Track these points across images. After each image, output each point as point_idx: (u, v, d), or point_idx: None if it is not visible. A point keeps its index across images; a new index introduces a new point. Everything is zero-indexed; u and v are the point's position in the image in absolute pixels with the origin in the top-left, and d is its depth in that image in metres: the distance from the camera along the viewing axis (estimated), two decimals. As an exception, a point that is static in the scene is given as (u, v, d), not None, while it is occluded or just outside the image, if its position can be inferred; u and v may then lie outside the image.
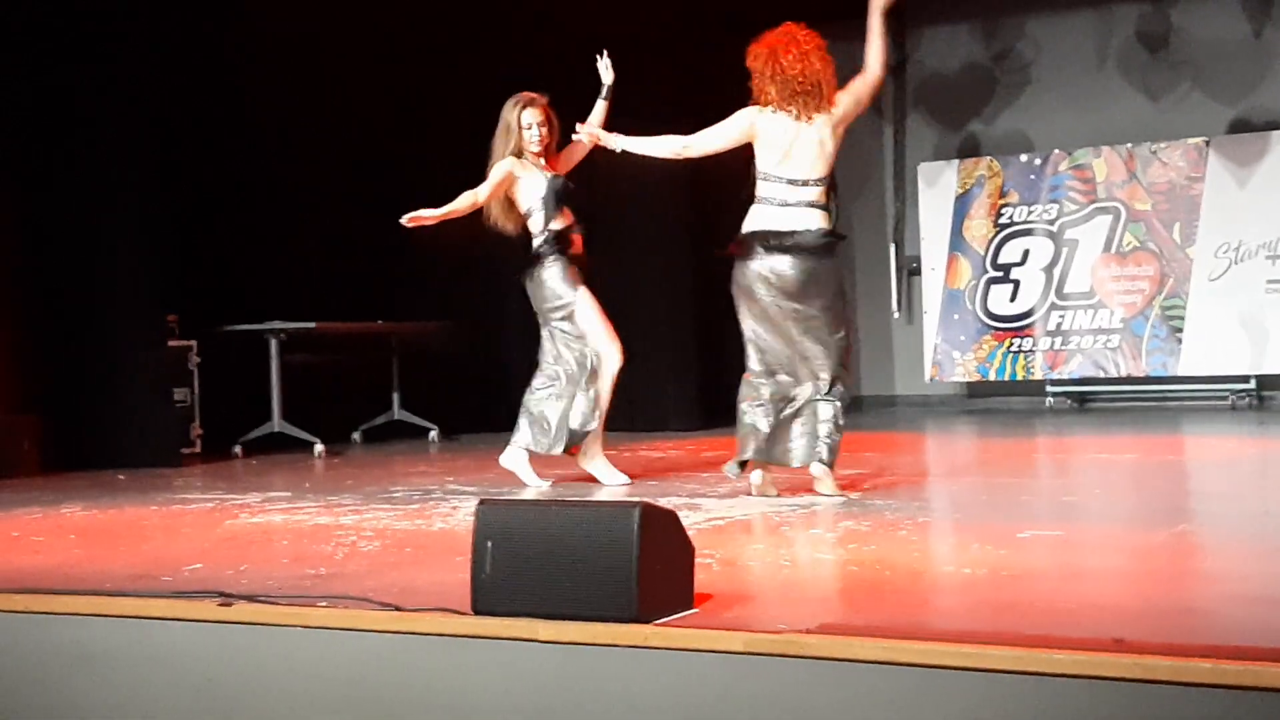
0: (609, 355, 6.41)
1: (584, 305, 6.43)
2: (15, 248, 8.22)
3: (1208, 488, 6.48)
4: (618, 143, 6.11)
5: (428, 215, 6.35)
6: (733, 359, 11.55)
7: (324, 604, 3.66)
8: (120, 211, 8.21)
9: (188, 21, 8.72)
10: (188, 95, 8.81)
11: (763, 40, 5.95)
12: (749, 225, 5.83)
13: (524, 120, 6.46)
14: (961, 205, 10.99)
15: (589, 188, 6.85)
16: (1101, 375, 10.60)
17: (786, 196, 5.80)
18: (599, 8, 8.93)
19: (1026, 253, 10.80)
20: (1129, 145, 10.51)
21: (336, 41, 9.65)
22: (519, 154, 6.46)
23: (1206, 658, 2.75)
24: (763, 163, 5.88)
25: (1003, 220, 10.88)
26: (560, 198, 6.50)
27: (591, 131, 6.29)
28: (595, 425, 6.42)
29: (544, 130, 6.49)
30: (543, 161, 6.52)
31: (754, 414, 5.81)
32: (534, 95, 6.51)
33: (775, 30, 5.94)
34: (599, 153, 6.42)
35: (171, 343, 8.59)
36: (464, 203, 6.40)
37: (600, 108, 6.55)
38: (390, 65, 9.90)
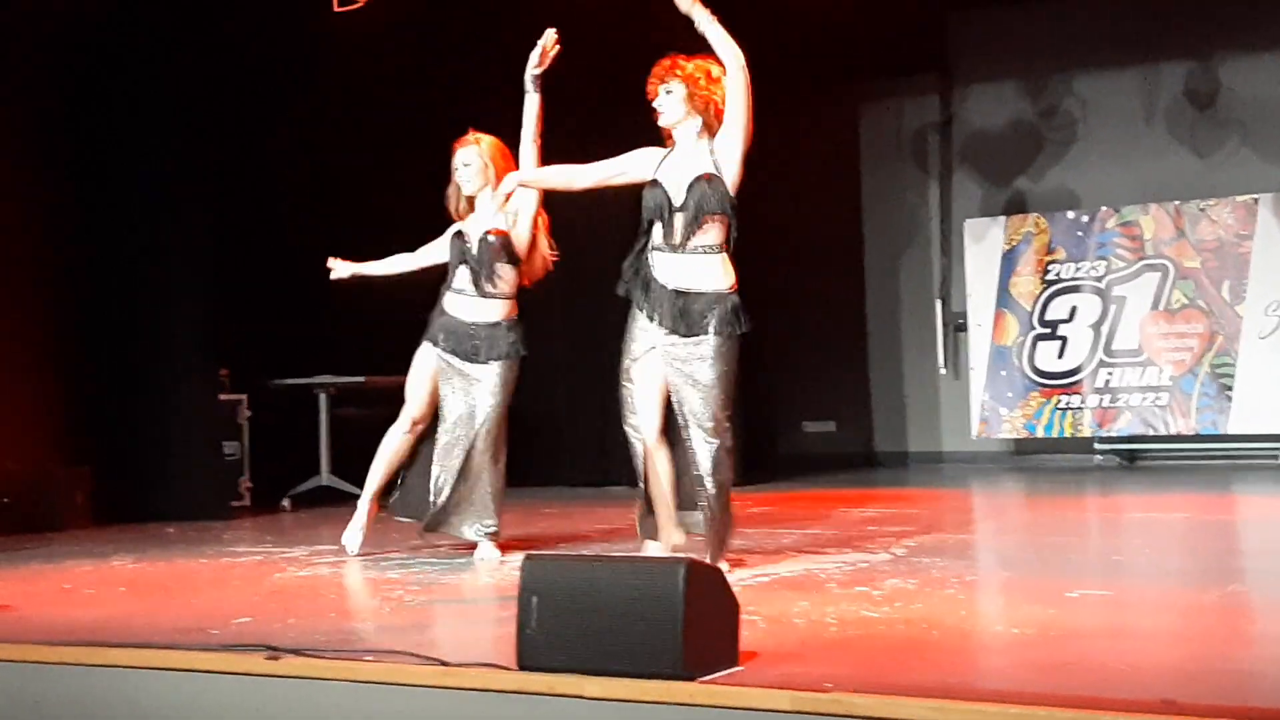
0: None
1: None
2: (68, 302, 8.35)
3: (1259, 547, 6.41)
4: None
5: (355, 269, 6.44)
6: (776, 410, 11.59)
7: (370, 658, 3.67)
8: (172, 267, 8.32)
9: (237, 79, 8.83)
10: (239, 151, 8.93)
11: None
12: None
13: (454, 162, 6.14)
14: (1008, 261, 10.97)
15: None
16: (1151, 433, 10.51)
17: None
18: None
19: (1074, 309, 10.75)
20: (1177, 202, 10.47)
21: (384, 97, 9.75)
22: (457, 199, 6.16)
23: (1258, 720, 2.73)
24: None
25: (1050, 277, 10.84)
26: (459, 257, 6.12)
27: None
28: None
29: (472, 170, 6.08)
30: (486, 200, 6.07)
31: None
32: (467, 136, 6.12)
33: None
34: None
35: (222, 396, 8.68)
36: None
37: (531, 104, 5.92)
38: (440, 120, 9.98)
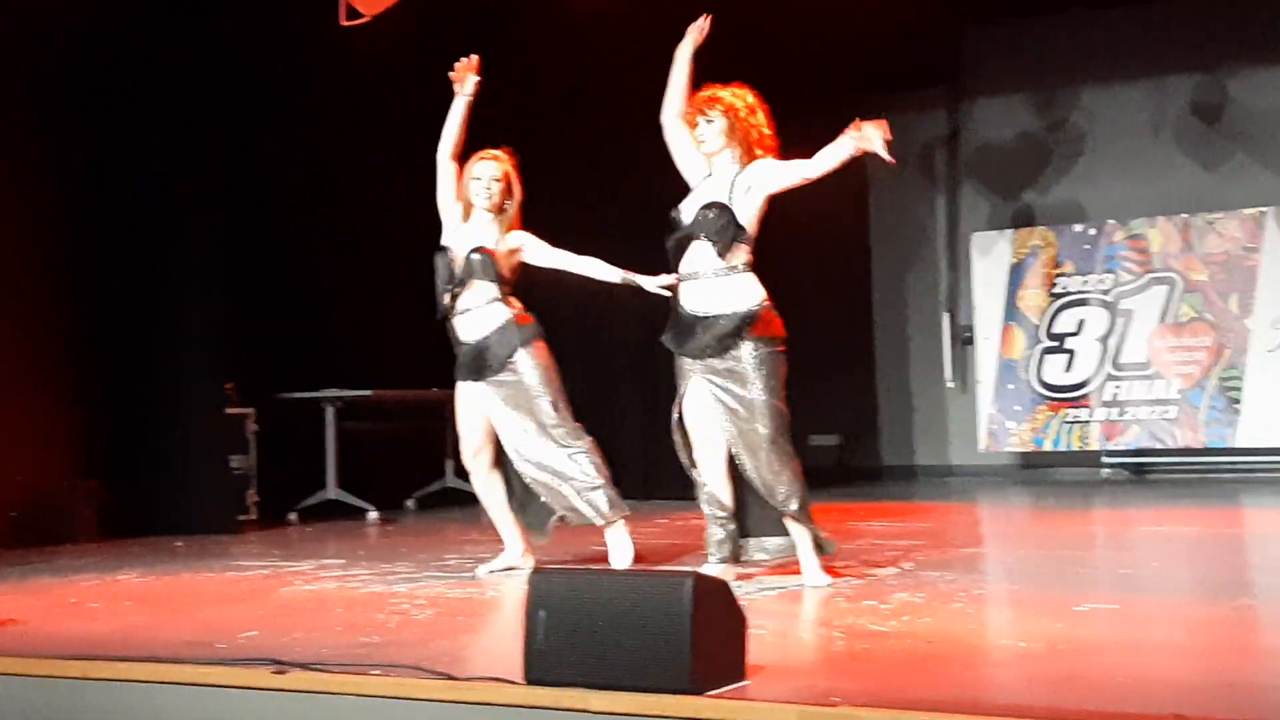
0: None
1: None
2: (77, 316, 8.36)
3: (1268, 561, 6.39)
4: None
5: None
6: (797, 422, 11.57)
7: (377, 672, 3.67)
8: (180, 281, 8.33)
9: (245, 92, 8.83)
10: (247, 164, 8.92)
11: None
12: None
13: (475, 171, 6.00)
14: (1016, 275, 10.97)
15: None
16: (1158, 446, 10.50)
17: None
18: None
19: (1082, 323, 10.75)
20: (1184, 215, 10.47)
21: (397, 107, 9.75)
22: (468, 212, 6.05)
23: (1267, 735, 2.72)
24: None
25: (1057, 290, 10.84)
26: (447, 273, 5.99)
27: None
28: None
29: (494, 188, 5.96)
30: (489, 218, 5.99)
31: None
32: (499, 151, 6.05)
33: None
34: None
35: (229, 410, 8.67)
36: None
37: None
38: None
